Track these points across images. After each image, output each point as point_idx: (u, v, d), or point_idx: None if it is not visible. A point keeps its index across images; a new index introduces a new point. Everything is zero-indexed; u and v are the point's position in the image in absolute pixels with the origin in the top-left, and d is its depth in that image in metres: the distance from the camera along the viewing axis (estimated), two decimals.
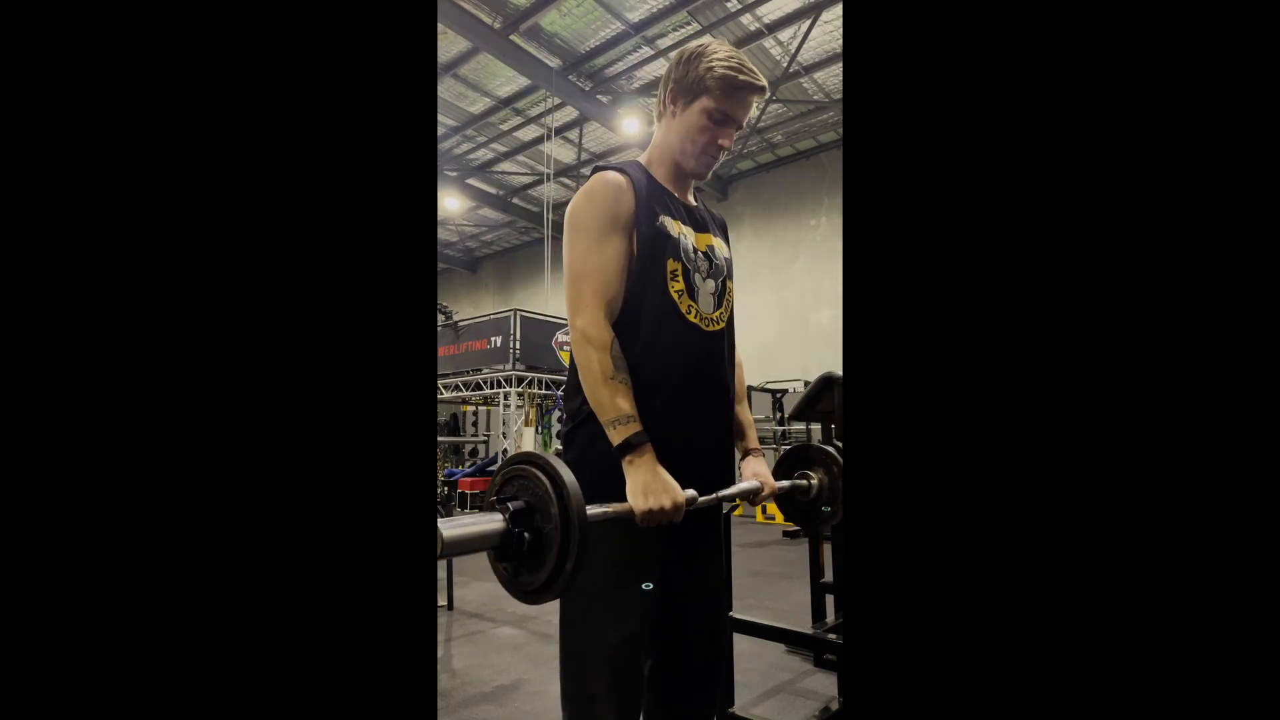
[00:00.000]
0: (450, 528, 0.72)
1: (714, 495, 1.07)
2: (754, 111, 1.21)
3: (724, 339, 1.16)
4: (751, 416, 1.31)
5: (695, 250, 1.14)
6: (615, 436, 0.98)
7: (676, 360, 1.07)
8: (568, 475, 0.77)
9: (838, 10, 6.86)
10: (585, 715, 1.02)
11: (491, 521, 0.78)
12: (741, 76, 1.08)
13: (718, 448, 1.13)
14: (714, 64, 1.08)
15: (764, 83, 1.11)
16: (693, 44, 1.14)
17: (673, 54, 1.11)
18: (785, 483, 1.28)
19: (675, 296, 1.09)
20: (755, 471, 1.20)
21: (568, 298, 1.07)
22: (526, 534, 0.78)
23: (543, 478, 0.78)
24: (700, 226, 1.19)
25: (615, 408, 0.99)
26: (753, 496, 1.15)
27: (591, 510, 0.81)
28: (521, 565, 0.80)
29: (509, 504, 0.80)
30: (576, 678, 1.04)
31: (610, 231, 1.06)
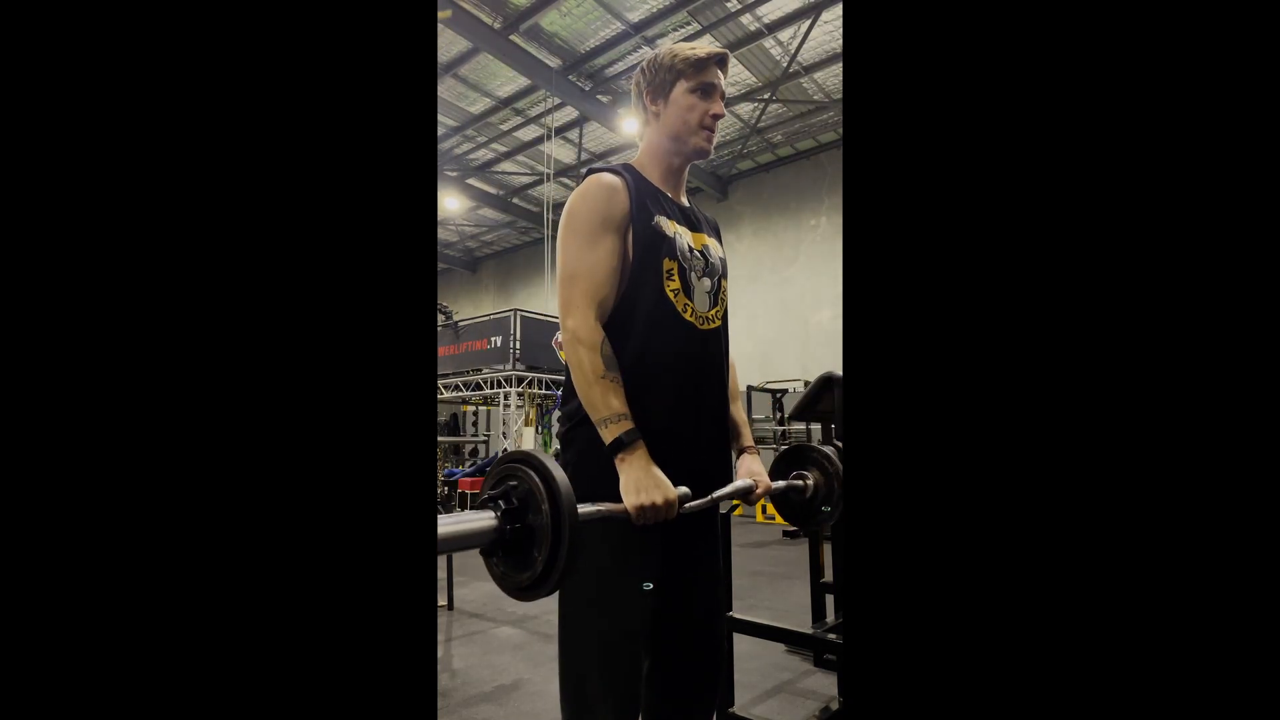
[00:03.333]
0: (443, 524, 0.73)
1: (708, 497, 1.06)
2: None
3: (720, 337, 1.17)
4: (745, 416, 1.31)
5: (691, 249, 1.15)
6: (607, 435, 0.98)
7: (672, 358, 1.08)
8: (559, 474, 0.77)
9: (838, 10, 6.86)
10: (584, 715, 1.02)
11: (483, 519, 0.78)
12: (703, 52, 1.15)
13: (715, 444, 1.13)
14: (675, 54, 1.16)
15: (724, 51, 1.18)
16: (647, 55, 1.19)
17: (633, 74, 1.16)
18: (781, 483, 1.28)
19: (671, 295, 1.09)
20: (750, 470, 1.20)
21: (560, 298, 1.07)
22: (518, 532, 0.78)
23: (534, 476, 0.78)
24: (695, 226, 1.20)
25: (606, 406, 0.99)
26: (747, 495, 1.15)
27: (583, 509, 0.81)
28: (513, 562, 0.80)
29: (500, 502, 0.80)
30: (576, 678, 1.04)
31: (602, 232, 1.07)
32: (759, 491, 1.16)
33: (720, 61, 1.16)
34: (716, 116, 1.15)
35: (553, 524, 0.76)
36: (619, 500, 1.02)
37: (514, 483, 0.80)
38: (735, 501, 1.18)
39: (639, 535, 1.04)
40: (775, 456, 1.35)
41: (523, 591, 0.80)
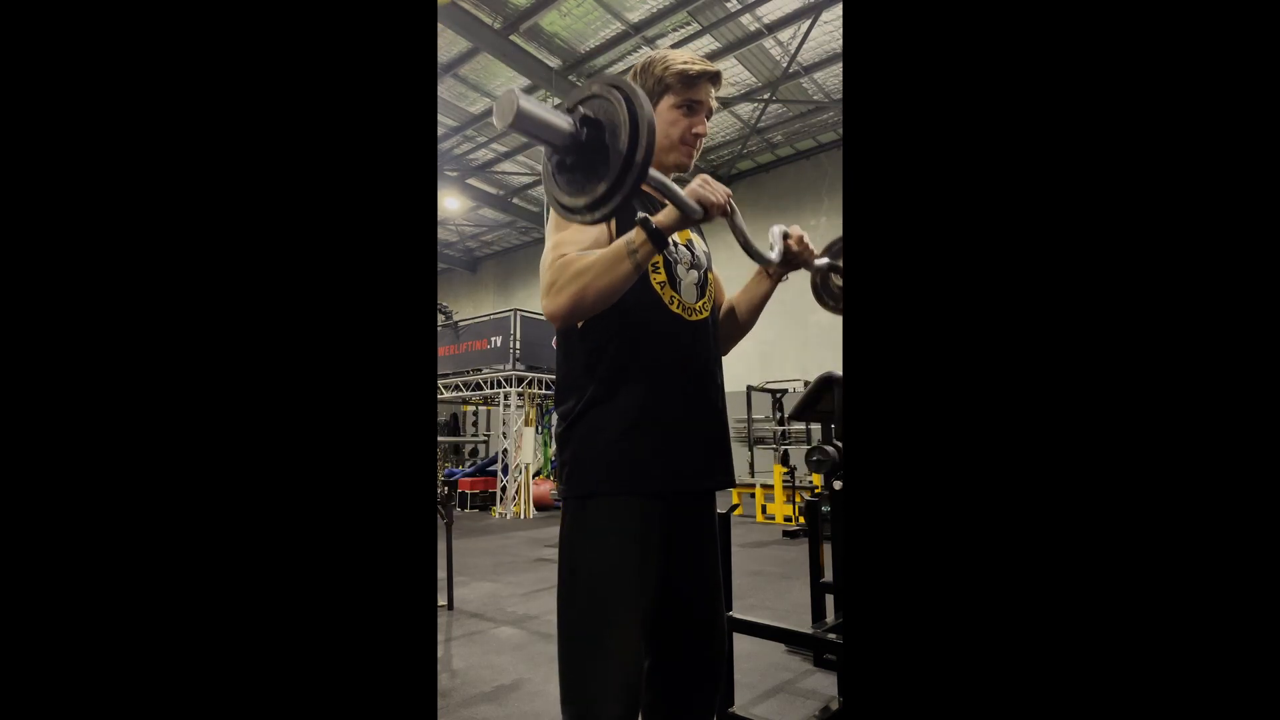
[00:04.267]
0: (528, 101, 0.74)
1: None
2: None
3: (708, 328, 1.17)
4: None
5: (676, 243, 1.15)
6: (637, 240, 0.96)
7: (660, 349, 1.08)
8: (646, 103, 0.77)
9: (838, 10, 6.86)
10: (585, 715, 1.02)
11: (564, 118, 0.80)
12: (695, 67, 1.14)
13: (707, 436, 1.13)
14: (668, 64, 1.14)
15: (717, 69, 1.16)
16: (641, 58, 1.19)
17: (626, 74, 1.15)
18: (823, 260, 1.28)
19: (657, 288, 1.10)
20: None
21: (542, 283, 1.04)
22: (593, 128, 0.79)
23: (620, 98, 0.78)
24: None
25: (621, 242, 0.97)
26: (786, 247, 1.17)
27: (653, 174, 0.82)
28: (579, 170, 0.81)
29: (581, 107, 0.81)
30: (575, 678, 1.04)
31: None
32: (795, 238, 1.19)
33: (713, 79, 1.15)
34: (699, 135, 1.16)
35: (630, 119, 0.76)
36: (623, 495, 1.03)
37: (598, 104, 0.81)
38: (735, 501, 1.18)
39: (640, 535, 1.04)
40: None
41: (593, 205, 0.80)
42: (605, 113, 0.80)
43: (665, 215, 0.96)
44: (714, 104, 1.18)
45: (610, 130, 0.79)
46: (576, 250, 1.03)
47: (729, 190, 0.98)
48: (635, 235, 0.96)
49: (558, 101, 8.32)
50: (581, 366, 1.09)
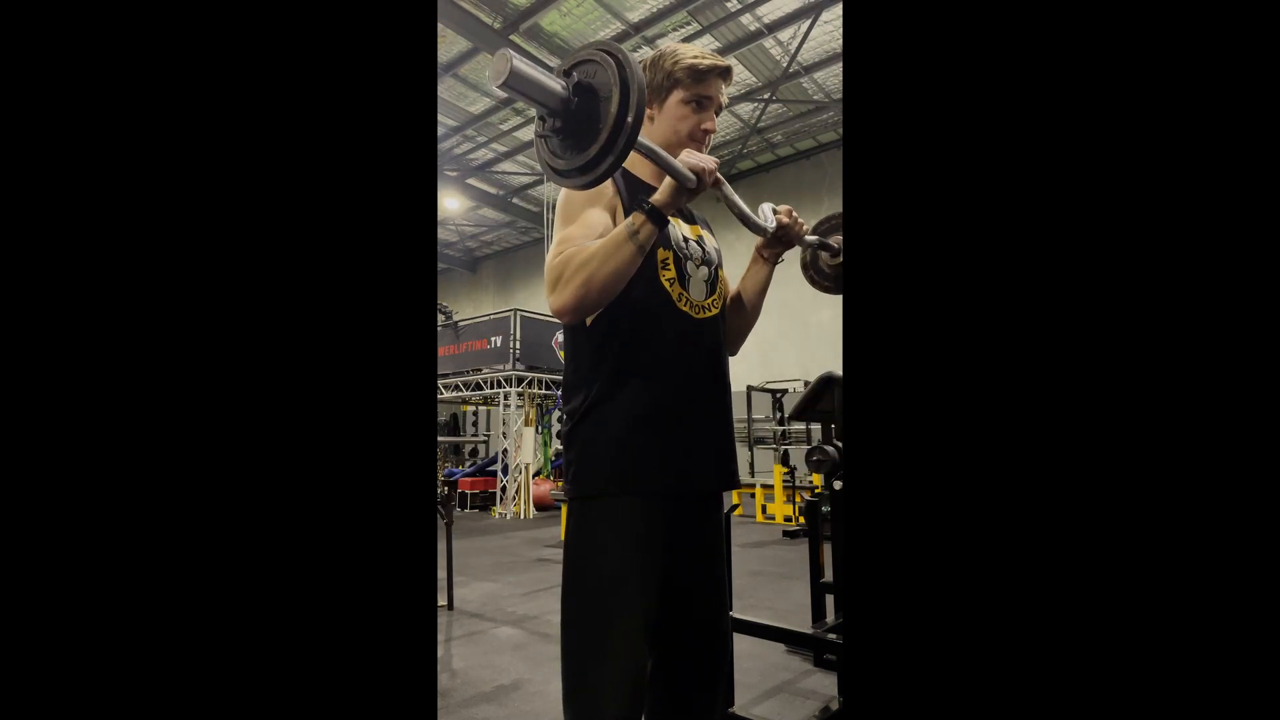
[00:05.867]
0: (522, 62, 0.74)
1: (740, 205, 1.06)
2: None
3: (717, 325, 1.17)
4: None
5: (686, 239, 1.15)
6: (639, 222, 0.95)
7: (667, 346, 1.08)
8: (636, 67, 0.78)
9: (838, 10, 6.86)
10: (587, 715, 1.02)
11: (556, 81, 0.80)
12: (706, 62, 1.13)
13: (714, 433, 1.13)
14: (678, 59, 1.13)
15: (728, 63, 1.16)
16: (650, 52, 1.18)
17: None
18: (813, 236, 1.30)
19: (666, 285, 1.09)
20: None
21: (548, 279, 1.04)
22: (584, 94, 0.80)
23: (611, 62, 0.79)
24: (688, 219, 1.20)
25: (622, 227, 0.97)
26: (782, 233, 1.18)
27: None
28: (570, 134, 0.82)
29: (573, 73, 0.82)
30: (578, 678, 1.04)
31: (590, 206, 1.07)
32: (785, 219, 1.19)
33: (723, 74, 1.14)
34: (708, 131, 1.14)
35: (620, 81, 0.77)
36: (626, 494, 1.03)
37: (590, 68, 0.81)
38: (735, 501, 1.17)
39: (643, 534, 1.04)
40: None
41: (585, 168, 0.81)
42: (596, 77, 0.80)
43: (661, 192, 0.96)
44: (724, 100, 1.16)
45: (602, 94, 0.79)
46: (580, 242, 1.02)
47: (716, 160, 0.98)
48: (635, 218, 0.95)
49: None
50: (588, 364, 1.09)
